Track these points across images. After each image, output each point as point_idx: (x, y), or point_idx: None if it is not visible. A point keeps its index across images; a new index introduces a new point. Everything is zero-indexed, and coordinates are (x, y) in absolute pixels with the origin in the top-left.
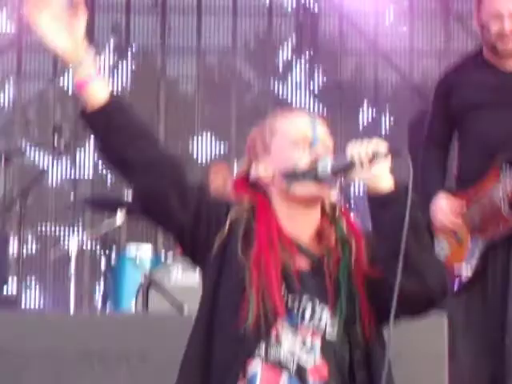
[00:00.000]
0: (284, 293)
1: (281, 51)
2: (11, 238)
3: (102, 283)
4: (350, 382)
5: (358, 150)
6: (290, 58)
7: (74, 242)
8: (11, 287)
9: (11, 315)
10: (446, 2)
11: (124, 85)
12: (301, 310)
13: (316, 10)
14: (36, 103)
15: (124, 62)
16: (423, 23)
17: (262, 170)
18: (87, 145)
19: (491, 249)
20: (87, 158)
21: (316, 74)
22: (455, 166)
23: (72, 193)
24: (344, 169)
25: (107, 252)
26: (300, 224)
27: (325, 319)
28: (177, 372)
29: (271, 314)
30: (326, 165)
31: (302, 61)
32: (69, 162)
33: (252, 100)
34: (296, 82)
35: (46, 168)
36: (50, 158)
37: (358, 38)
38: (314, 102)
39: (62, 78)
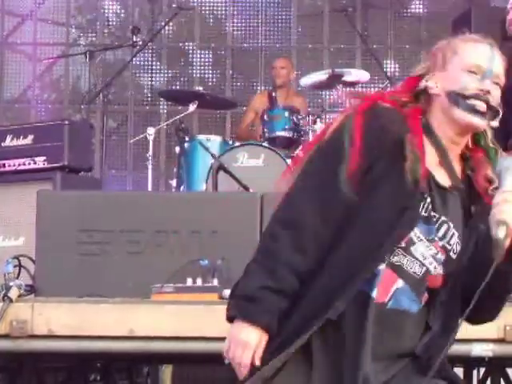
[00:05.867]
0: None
1: None
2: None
3: (176, 167)
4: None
5: None
6: None
7: (151, 128)
8: (96, 171)
9: (96, 195)
10: None
11: None
12: (436, 227)
13: None
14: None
15: None
16: None
17: (433, 83)
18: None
19: None
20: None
21: None
22: None
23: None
24: None
25: (181, 138)
26: (450, 143)
27: (454, 242)
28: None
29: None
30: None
31: None
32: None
33: None
34: None
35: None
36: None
37: None
38: None
39: None
